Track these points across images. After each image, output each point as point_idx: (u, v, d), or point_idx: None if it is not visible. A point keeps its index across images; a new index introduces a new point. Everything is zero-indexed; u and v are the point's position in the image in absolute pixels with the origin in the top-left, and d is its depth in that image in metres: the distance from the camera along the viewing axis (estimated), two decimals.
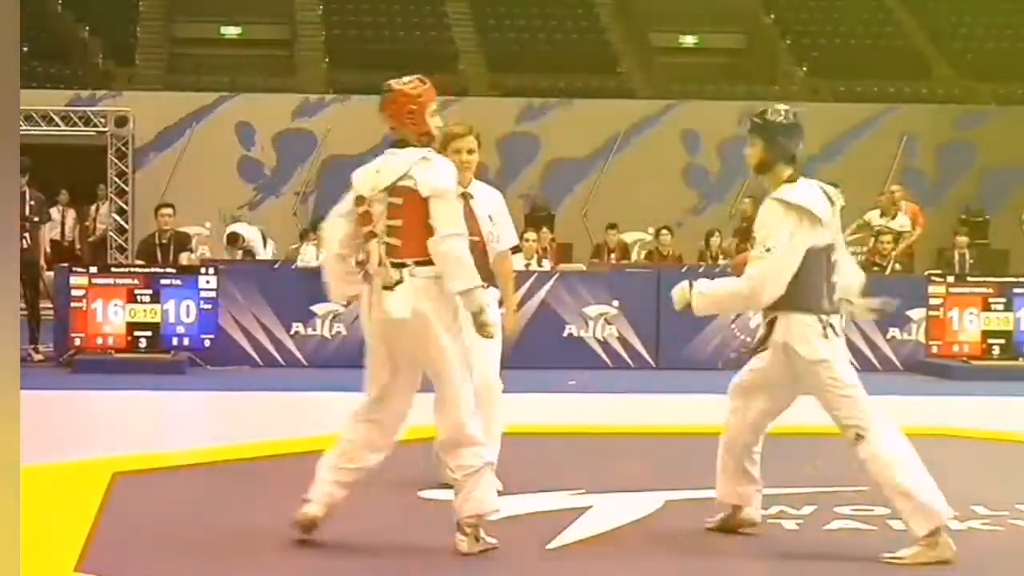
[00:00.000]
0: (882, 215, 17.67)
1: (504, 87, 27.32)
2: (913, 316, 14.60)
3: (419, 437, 8.12)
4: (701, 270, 18.51)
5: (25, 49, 24.31)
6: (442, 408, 6.08)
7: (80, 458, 8.37)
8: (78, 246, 22.55)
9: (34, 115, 18.94)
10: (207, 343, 13.46)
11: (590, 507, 7.08)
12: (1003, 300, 14.31)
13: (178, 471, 8.03)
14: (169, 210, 15.18)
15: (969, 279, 15.02)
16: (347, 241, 6.23)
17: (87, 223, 22.32)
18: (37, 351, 14.11)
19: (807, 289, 6.35)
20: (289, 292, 13.96)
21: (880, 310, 6.79)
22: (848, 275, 6.60)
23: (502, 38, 29.30)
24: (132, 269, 14.44)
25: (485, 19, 29.79)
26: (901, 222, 17.60)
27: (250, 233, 18.72)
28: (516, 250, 8.22)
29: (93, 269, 14.15)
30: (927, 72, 28.92)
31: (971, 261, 19.28)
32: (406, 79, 6.36)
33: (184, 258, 14.90)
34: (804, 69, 28.92)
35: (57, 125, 19.37)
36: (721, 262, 19.00)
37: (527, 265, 15.33)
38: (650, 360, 14.32)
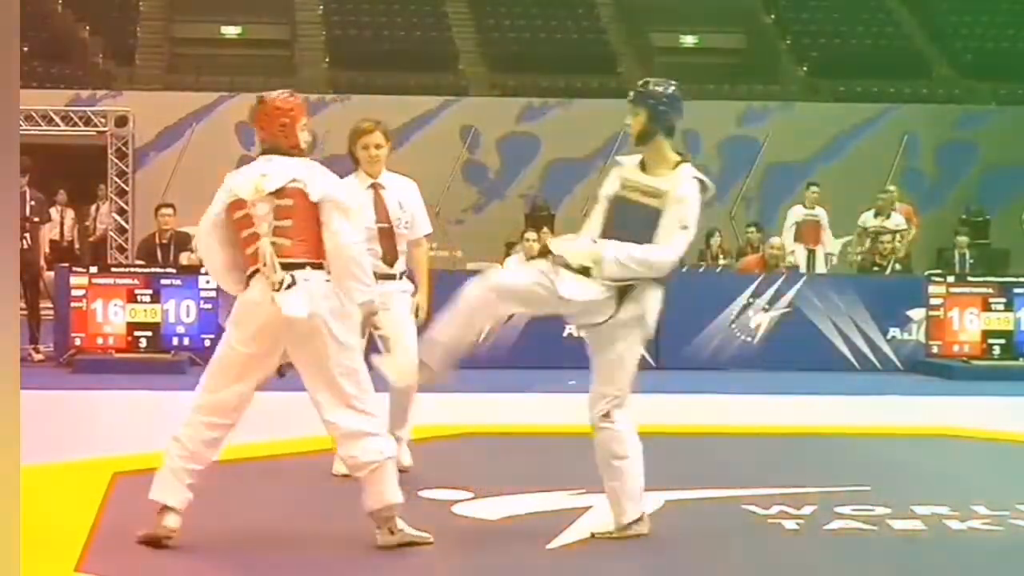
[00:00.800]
0: (876, 215, 17.69)
1: (504, 87, 27.33)
2: (914, 316, 14.60)
3: (420, 437, 8.14)
4: (701, 270, 18.54)
5: (25, 49, 24.31)
6: (340, 406, 6.07)
7: (80, 458, 8.36)
8: (77, 246, 22.56)
9: (34, 115, 18.94)
10: (207, 343, 13.43)
11: (590, 507, 7.08)
12: (1003, 300, 14.32)
13: None
14: (169, 210, 15.17)
15: (970, 279, 15.03)
16: (226, 243, 6.25)
17: (87, 223, 22.32)
18: (37, 351, 14.11)
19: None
20: None
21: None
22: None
23: (502, 38, 29.31)
24: (132, 269, 14.44)
25: (485, 19, 29.79)
26: (896, 221, 17.62)
27: None
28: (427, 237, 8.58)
29: (93, 269, 14.15)
30: (927, 72, 28.92)
31: (971, 261, 19.27)
32: (278, 92, 6.33)
33: (184, 258, 14.89)
34: (804, 69, 28.93)
35: (57, 125, 19.37)
36: (722, 262, 19.01)
37: None
38: (650, 360, 14.28)
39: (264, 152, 6.28)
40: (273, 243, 6.05)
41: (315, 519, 6.85)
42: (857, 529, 6.79)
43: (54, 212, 19.90)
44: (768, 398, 12.36)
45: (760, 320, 14.53)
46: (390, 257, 7.89)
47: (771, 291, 14.58)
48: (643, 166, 6.55)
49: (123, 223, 19.72)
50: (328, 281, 6.06)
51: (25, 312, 13.90)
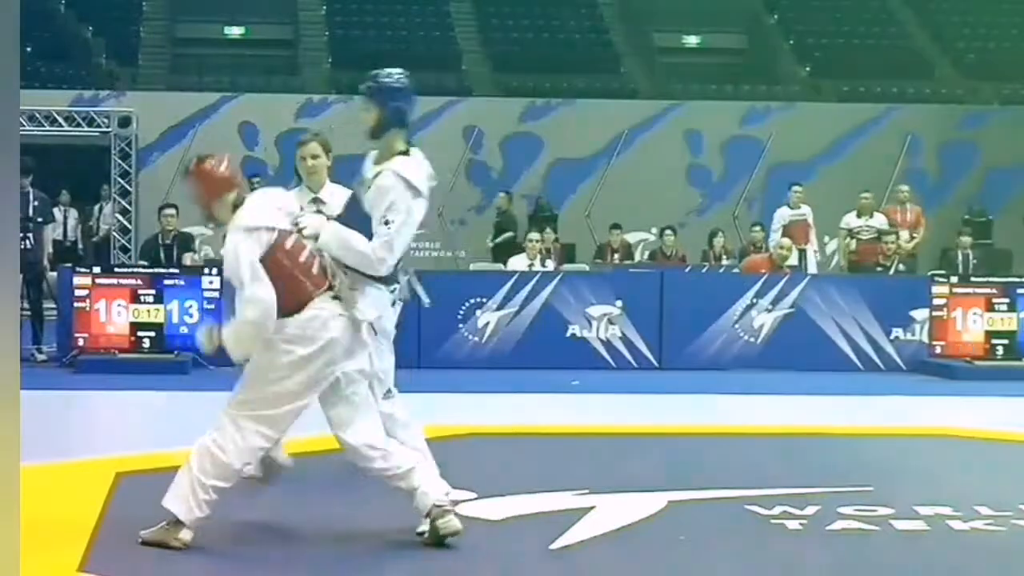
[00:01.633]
0: (859, 215, 17.70)
1: (507, 87, 27.33)
2: (917, 316, 14.59)
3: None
4: (705, 270, 18.53)
5: (28, 49, 24.34)
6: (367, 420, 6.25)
7: (84, 458, 8.37)
8: (81, 246, 22.55)
9: (37, 115, 18.94)
10: None
11: (593, 507, 7.08)
12: (1006, 300, 14.30)
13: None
14: (172, 210, 15.18)
15: (972, 279, 15.01)
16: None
17: (90, 223, 22.31)
18: (40, 351, 14.11)
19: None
20: None
21: None
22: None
23: (505, 38, 29.31)
24: (135, 269, 14.43)
25: (488, 19, 29.79)
26: (879, 221, 17.63)
27: None
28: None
29: (96, 269, 14.14)
30: (930, 72, 28.90)
31: (974, 261, 19.25)
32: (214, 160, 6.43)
33: (187, 258, 14.90)
34: (807, 69, 28.91)
35: (60, 125, 19.36)
36: (724, 262, 19.01)
37: (530, 265, 15.34)
38: (653, 360, 14.31)
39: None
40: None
41: (315, 519, 6.85)
42: (860, 529, 6.79)
43: (57, 212, 19.90)
44: (771, 398, 12.36)
45: (763, 320, 14.52)
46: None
47: (774, 291, 14.57)
48: (378, 159, 6.44)
49: (126, 223, 19.71)
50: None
51: (28, 312, 13.90)
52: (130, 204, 19.78)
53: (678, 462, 8.81)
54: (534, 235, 16.22)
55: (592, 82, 27.24)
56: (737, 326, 14.49)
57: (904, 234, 17.86)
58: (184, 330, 13.53)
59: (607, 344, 14.32)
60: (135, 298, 13.62)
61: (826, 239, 21.67)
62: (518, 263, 15.67)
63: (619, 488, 7.60)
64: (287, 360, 6.06)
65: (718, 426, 10.48)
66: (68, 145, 20.26)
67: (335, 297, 6.13)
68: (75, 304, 13.60)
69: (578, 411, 11.46)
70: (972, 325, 14.25)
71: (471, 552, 6.32)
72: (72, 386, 12.27)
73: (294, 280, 6.10)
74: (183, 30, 29.37)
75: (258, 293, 6.03)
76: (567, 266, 18.42)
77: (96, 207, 22.06)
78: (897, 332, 14.63)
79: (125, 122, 19.72)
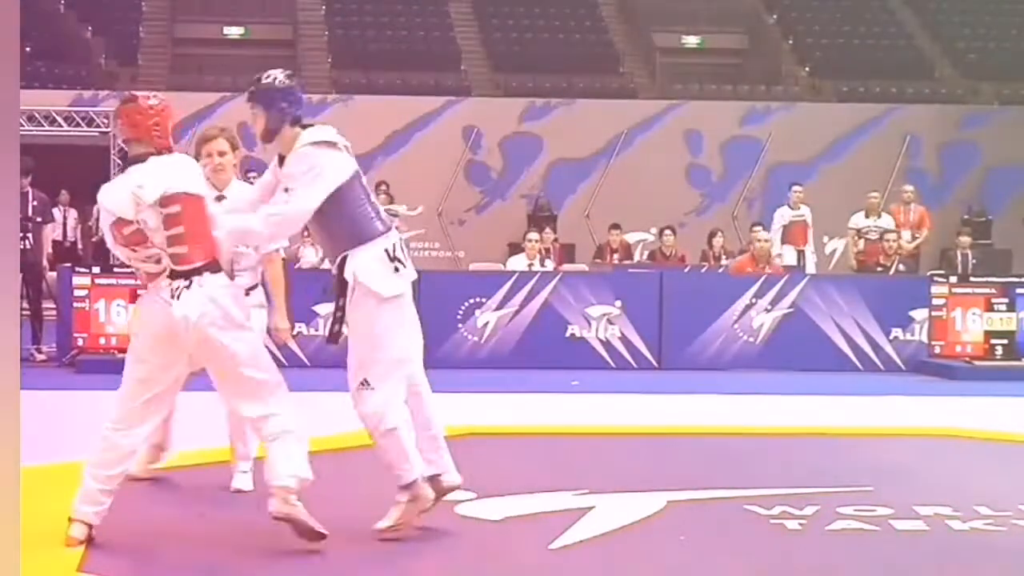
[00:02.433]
0: (867, 216, 17.71)
1: (507, 87, 27.34)
2: (916, 316, 14.60)
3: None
4: (704, 270, 18.53)
5: (28, 49, 24.34)
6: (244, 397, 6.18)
7: (83, 458, 8.35)
8: (80, 246, 22.55)
9: (37, 115, 18.92)
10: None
11: (592, 507, 7.08)
12: (1006, 300, 14.31)
13: (181, 471, 8.03)
14: None
15: (972, 279, 15.01)
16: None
17: (90, 223, 22.30)
18: (40, 351, 14.11)
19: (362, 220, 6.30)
20: (291, 292, 13.91)
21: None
22: None
23: (505, 38, 29.31)
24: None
25: (488, 19, 29.79)
26: (887, 221, 17.64)
27: None
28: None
29: (96, 269, 14.14)
30: (930, 72, 28.91)
31: (974, 261, 19.27)
32: (146, 94, 6.26)
33: None
34: (807, 69, 28.92)
35: (60, 125, 19.35)
36: (724, 262, 19.02)
37: (530, 265, 15.34)
38: (652, 360, 14.32)
39: (132, 161, 6.17)
40: (171, 254, 6.03)
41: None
42: (859, 529, 6.79)
43: (57, 212, 19.91)
44: (770, 398, 12.36)
45: (762, 320, 14.53)
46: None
47: (773, 291, 14.58)
48: (280, 160, 6.35)
49: None
50: (226, 285, 6.10)
51: (28, 312, 13.90)
52: None
53: (678, 462, 8.81)
54: (533, 235, 16.22)
55: (592, 82, 27.25)
56: (736, 326, 14.49)
57: (906, 234, 17.88)
58: None
59: (606, 344, 14.32)
60: (134, 298, 13.59)
61: (825, 239, 21.70)
62: (517, 263, 15.68)
63: (618, 488, 7.60)
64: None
65: (718, 426, 10.48)
66: (68, 145, 20.25)
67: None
68: (74, 304, 13.60)
69: (578, 411, 11.46)
70: (971, 325, 14.26)
71: (471, 552, 6.33)
72: (72, 386, 12.25)
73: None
74: (183, 30, 29.37)
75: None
76: (566, 266, 18.42)
77: (96, 207, 22.06)
78: (896, 332, 14.64)
79: None
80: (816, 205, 18.80)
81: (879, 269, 16.16)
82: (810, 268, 17.98)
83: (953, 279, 14.74)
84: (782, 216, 18.22)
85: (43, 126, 19.09)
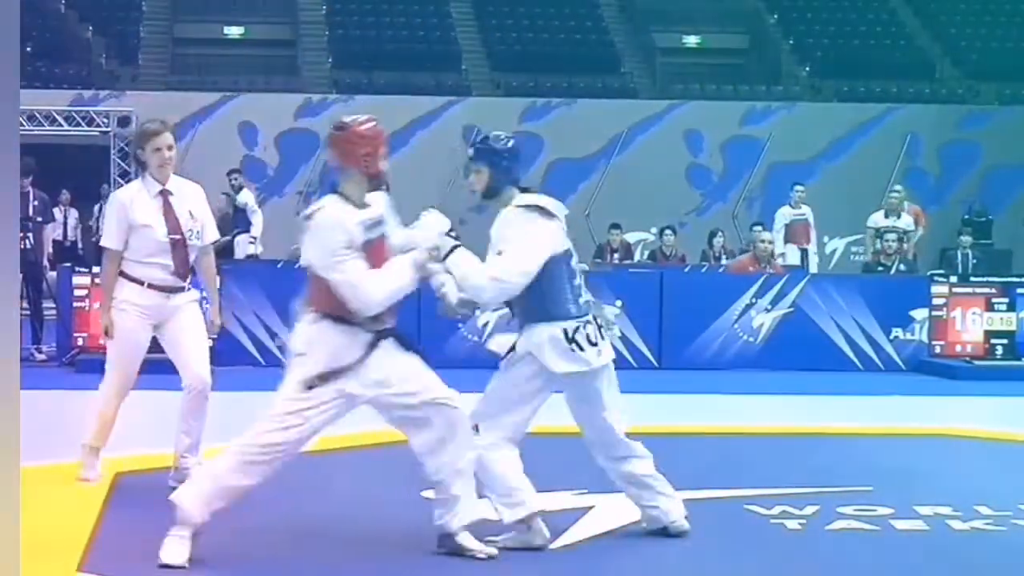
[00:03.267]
0: (887, 215, 17.68)
1: (507, 87, 27.35)
2: (916, 316, 14.60)
3: None
4: (704, 270, 18.54)
5: (28, 49, 24.34)
6: None
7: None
8: (80, 246, 22.57)
9: (37, 115, 18.94)
10: (209, 342, 13.40)
11: (593, 507, 7.08)
12: (1006, 300, 14.30)
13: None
14: None
15: (972, 279, 15.01)
16: None
17: (90, 223, 22.33)
18: (40, 351, 14.11)
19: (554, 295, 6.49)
20: (292, 291, 13.88)
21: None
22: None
23: (505, 38, 29.32)
24: None
25: (488, 19, 29.80)
26: (906, 221, 17.62)
27: (246, 197, 18.55)
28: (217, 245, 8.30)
29: (96, 269, 14.13)
30: (930, 72, 28.91)
31: (974, 261, 19.27)
32: (355, 118, 6.44)
33: None
34: (807, 69, 28.92)
35: (60, 125, 19.37)
36: (724, 262, 19.01)
37: None
38: (652, 360, 14.31)
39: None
40: None
41: (314, 518, 6.85)
42: (860, 529, 6.80)
43: (57, 212, 19.92)
44: (770, 398, 12.36)
45: (762, 320, 14.52)
46: (183, 270, 7.54)
47: (773, 291, 14.57)
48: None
49: None
50: None
51: (28, 312, 13.90)
52: None
53: (677, 462, 8.80)
54: None
55: (592, 82, 27.26)
56: (736, 326, 14.49)
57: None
58: None
59: None
60: None
61: (825, 239, 21.69)
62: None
63: (619, 488, 7.59)
64: None
65: (718, 426, 10.47)
66: (68, 145, 20.27)
67: None
68: (74, 304, 13.59)
69: None
70: (972, 325, 14.25)
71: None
72: (72, 386, 12.23)
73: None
74: (183, 30, 29.38)
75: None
76: None
77: (96, 207, 22.07)
78: (897, 332, 14.63)
79: (125, 122, 19.73)
80: (816, 205, 18.80)
81: (879, 269, 16.16)
82: (812, 268, 17.98)
83: (953, 279, 14.73)
84: (784, 216, 18.22)
85: (44, 126, 19.10)
